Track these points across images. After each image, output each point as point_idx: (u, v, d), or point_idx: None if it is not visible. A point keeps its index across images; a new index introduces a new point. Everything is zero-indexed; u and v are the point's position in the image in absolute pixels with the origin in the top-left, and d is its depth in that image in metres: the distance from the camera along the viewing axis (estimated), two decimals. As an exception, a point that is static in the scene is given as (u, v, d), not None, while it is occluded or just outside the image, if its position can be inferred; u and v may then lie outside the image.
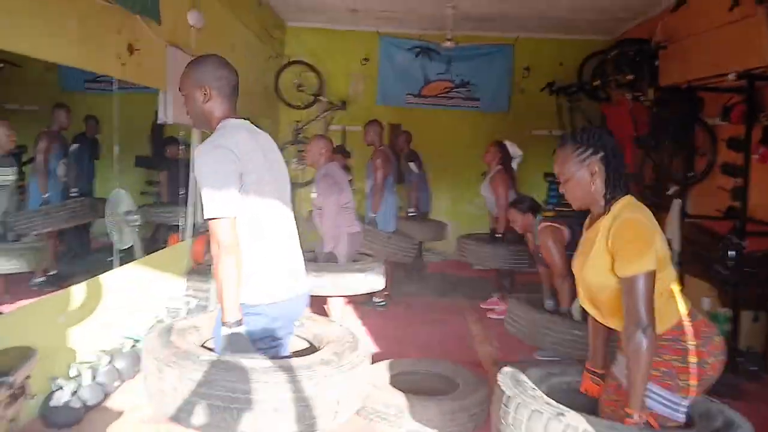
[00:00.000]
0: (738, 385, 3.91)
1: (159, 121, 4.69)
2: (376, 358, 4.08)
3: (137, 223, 4.92)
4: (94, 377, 3.37)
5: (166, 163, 6.23)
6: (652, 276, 1.93)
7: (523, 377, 2.27)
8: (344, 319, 4.59)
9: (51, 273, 5.30)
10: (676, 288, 2.13)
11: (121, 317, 3.94)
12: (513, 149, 6.55)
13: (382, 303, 5.57)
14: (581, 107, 7.59)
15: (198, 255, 5.07)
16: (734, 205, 4.68)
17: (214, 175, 1.96)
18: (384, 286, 4.54)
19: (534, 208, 4.45)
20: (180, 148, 5.56)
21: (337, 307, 4.53)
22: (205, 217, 1.98)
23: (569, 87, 7.46)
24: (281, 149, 7.55)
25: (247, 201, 2.04)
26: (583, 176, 2.07)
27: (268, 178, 2.13)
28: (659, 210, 5.71)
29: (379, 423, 3.20)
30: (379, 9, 7.35)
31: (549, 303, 4.25)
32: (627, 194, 2.08)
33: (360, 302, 4.78)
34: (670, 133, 5.52)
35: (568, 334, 3.72)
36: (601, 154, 2.06)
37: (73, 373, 3.31)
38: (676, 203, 4.98)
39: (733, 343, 4.17)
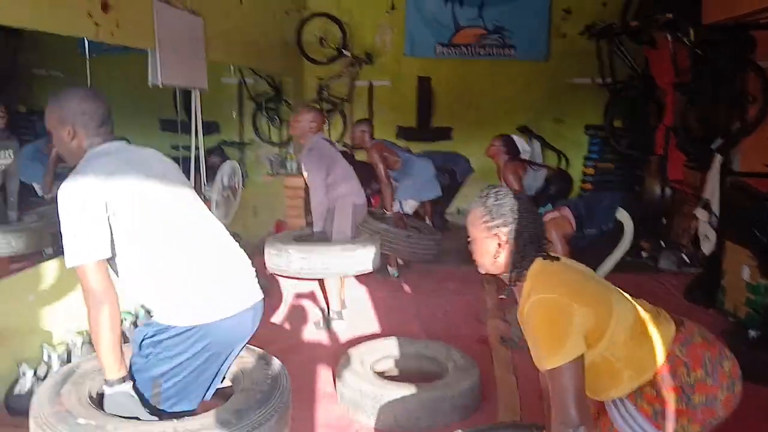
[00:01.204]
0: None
1: (150, 83, 4.45)
2: (375, 336, 3.86)
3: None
4: (68, 359, 3.25)
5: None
6: (578, 363, 1.64)
7: None
8: (343, 298, 4.33)
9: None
10: (645, 315, 1.78)
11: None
12: (521, 144, 6.03)
13: (396, 274, 5.30)
14: (624, 51, 6.91)
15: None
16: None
17: (72, 218, 1.80)
18: (377, 265, 4.23)
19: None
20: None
21: (334, 288, 4.27)
22: (67, 266, 1.80)
23: (609, 29, 6.78)
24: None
25: (132, 224, 1.87)
26: (488, 245, 1.85)
27: (156, 191, 1.95)
28: (704, 169, 5.15)
29: (356, 413, 2.97)
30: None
31: None
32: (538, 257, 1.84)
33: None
34: (714, 79, 4.92)
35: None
36: (511, 226, 1.81)
37: (45, 355, 3.19)
38: (718, 159, 4.45)
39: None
